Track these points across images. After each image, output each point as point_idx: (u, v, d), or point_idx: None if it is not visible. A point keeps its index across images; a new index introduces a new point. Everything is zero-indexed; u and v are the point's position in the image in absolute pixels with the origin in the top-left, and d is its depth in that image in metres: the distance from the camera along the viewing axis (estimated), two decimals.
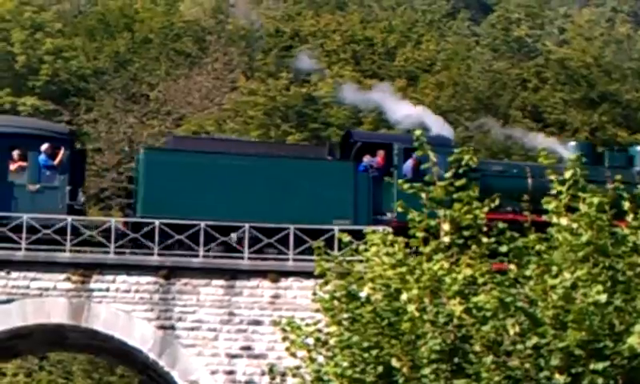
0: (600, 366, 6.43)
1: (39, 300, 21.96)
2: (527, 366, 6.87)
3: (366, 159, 22.15)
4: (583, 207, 6.91)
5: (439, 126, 25.92)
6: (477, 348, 6.92)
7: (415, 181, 7.94)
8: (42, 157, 22.20)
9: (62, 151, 22.03)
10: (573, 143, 26.18)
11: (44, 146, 21.96)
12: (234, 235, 21.22)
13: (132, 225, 22.28)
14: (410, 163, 20.93)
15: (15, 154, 21.95)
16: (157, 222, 20.49)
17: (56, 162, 21.84)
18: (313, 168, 22.22)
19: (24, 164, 22.18)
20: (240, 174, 22.10)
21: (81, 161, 24.55)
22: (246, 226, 21.08)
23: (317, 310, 9.26)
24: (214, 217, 21.44)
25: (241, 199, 21.86)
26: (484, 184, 12.95)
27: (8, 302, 21.39)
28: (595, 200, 6.83)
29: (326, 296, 8.75)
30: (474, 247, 7.43)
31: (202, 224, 20.87)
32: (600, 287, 6.60)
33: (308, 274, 17.42)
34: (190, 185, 22.21)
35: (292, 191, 22.25)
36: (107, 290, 21.92)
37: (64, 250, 22.09)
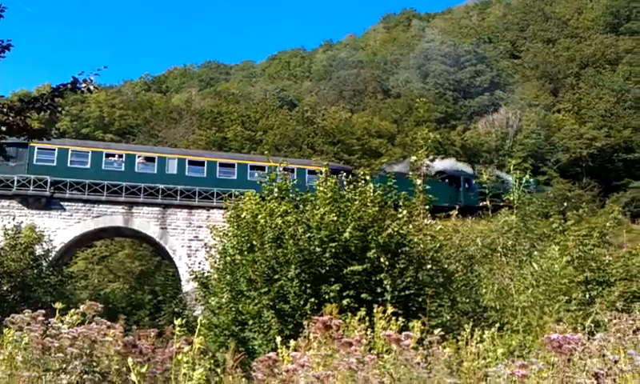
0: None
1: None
2: (318, 250, 9.79)
3: None
4: (330, 183, 11.08)
5: None
6: (287, 237, 9.98)
7: None
8: None
9: None
10: None
11: None
12: None
13: None
14: None
15: None
16: None
17: None
18: None
19: None
20: None
21: None
22: None
23: (226, 221, 12.45)
24: None
25: None
26: None
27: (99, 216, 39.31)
28: (332, 181, 11.08)
29: (228, 215, 12.22)
30: (286, 199, 11.49)
31: None
32: (334, 215, 10.21)
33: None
34: None
35: None
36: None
37: None
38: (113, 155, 42.04)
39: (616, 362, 3.66)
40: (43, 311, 5.31)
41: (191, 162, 43.08)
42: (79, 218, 38.83)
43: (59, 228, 37.82)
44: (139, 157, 42.48)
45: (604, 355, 3.91)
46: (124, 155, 42.21)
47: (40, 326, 4.84)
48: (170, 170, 41.89)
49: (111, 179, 40.05)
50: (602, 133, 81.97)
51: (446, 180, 50.54)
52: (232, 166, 43.00)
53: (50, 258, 29.49)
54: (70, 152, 40.97)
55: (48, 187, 38.60)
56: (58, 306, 5.40)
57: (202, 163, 43.23)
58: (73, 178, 39.50)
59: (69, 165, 40.18)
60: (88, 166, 40.53)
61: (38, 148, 39.54)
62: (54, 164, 39.97)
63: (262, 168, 37.37)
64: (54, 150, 40.43)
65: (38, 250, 27.62)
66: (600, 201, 69.50)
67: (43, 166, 39.52)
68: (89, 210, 39.21)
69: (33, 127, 11.07)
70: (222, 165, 43.16)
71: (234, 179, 40.74)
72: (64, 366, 4.37)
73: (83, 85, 10.45)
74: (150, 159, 42.59)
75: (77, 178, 39.49)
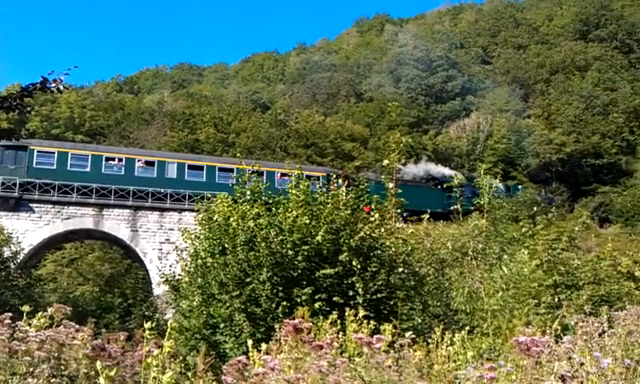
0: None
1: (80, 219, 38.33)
2: (290, 253, 9.73)
3: None
4: (302, 186, 11.00)
5: None
6: (259, 239, 9.90)
7: None
8: None
9: None
10: None
11: None
12: None
13: None
14: None
15: None
16: None
17: None
18: None
19: None
20: None
21: None
22: None
23: (197, 224, 12.42)
24: None
25: None
26: None
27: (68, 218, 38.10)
28: (305, 185, 10.95)
29: (200, 217, 12.28)
30: (259, 202, 11.20)
31: None
32: (306, 218, 10.15)
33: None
34: None
35: None
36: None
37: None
38: (113, 159, 41.64)
39: (582, 364, 3.72)
40: (10, 314, 5.23)
41: (191, 167, 43.07)
42: (48, 219, 38.33)
43: (28, 230, 37.32)
44: (139, 161, 42.29)
45: (571, 358, 3.97)
46: (124, 159, 41.88)
47: (7, 330, 4.76)
48: (170, 174, 41.81)
49: (111, 183, 39.91)
50: (571, 138, 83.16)
51: (439, 186, 50.41)
52: (231, 170, 42.58)
53: (19, 261, 29.07)
54: (69, 155, 40.61)
55: (17, 188, 38.02)
56: (26, 308, 5.33)
57: (201, 167, 43.18)
58: (74, 182, 39.36)
59: (69, 168, 39.85)
60: (88, 169, 40.30)
61: (38, 151, 39.49)
62: (54, 167, 39.62)
63: (261, 173, 36.89)
64: (54, 153, 40.31)
65: (6, 252, 27.20)
66: (569, 205, 70.50)
67: (43, 169, 39.16)
68: (58, 211, 38.73)
69: (1, 127, 10.89)
70: (221, 169, 42.84)
71: (233, 184, 40.40)
72: (31, 369, 4.31)
73: (53, 85, 10.30)
74: (149, 163, 42.45)
75: (78, 182, 39.36)
